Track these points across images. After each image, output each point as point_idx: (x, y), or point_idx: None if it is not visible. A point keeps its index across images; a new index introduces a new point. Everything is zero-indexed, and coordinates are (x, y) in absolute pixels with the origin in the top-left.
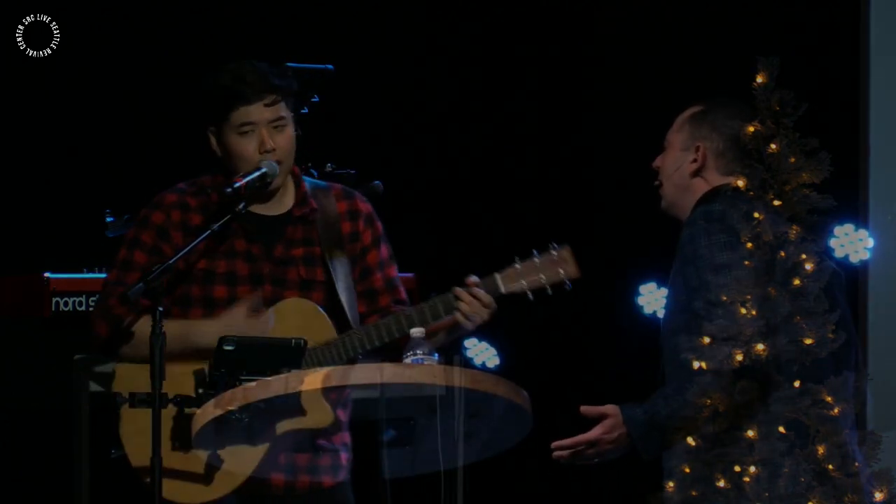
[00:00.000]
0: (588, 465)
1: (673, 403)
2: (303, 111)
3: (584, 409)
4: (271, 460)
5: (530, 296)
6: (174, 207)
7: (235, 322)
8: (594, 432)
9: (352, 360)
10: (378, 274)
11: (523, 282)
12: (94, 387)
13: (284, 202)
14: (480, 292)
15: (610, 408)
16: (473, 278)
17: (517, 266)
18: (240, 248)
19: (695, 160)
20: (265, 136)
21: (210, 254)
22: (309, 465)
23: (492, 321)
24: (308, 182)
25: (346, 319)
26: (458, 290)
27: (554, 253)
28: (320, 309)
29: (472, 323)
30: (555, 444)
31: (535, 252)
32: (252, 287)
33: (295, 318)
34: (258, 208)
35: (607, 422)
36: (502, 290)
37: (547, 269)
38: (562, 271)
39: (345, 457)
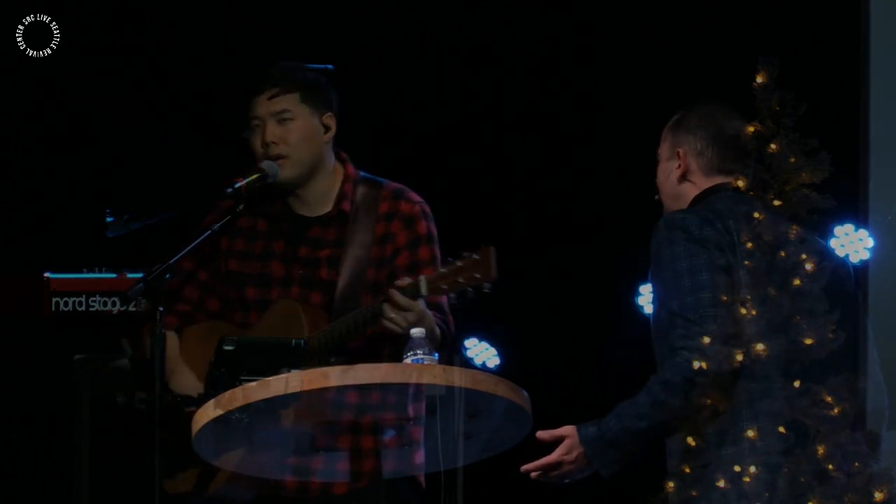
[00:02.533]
0: (559, 486)
1: (625, 419)
2: (326, 108)
3: (539, 434)
4: (280, 462)
5: (452, 298)
6: (221, 209)
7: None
8: (554, 455)
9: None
10: (404, 276)
11: (443, 284)
12: (94, 387)
13: (327, 203)
14: (395, 294)
15: (566, 429)
16: (401, 280)
17: (441, 269)
18: (278, 250)
19: (679, 166)
20: (266, 129)
21: (247, 255)
22: (323, 469)
23: (422, 323)
24: (364, 178)
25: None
26: (388, 292)
27: (475, 255)
28: (301, 312)
29: (396, 326)
30: (523, 468)
31: (463, 253)
32: (282, 289)
33: (275, 320)
34: (301, 209)
35: (565, 443)
36: (423, 291)
37: (465, 271)
38: (478, 274)
39: (369, 462)
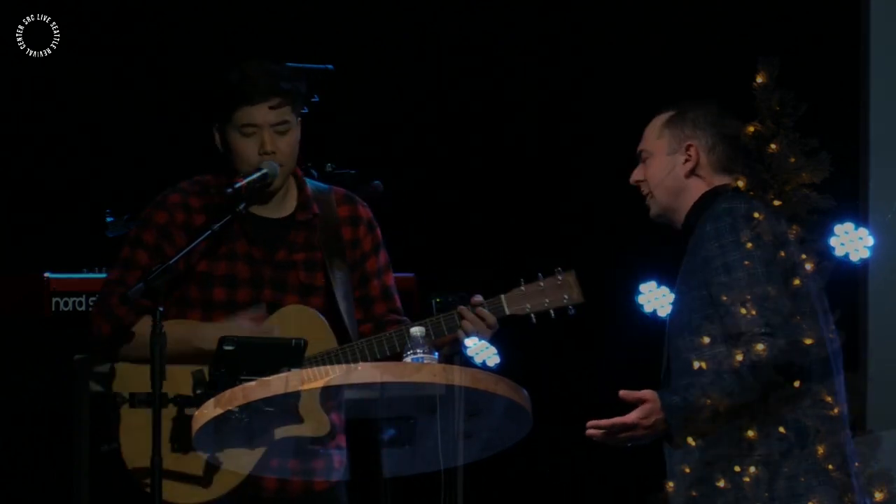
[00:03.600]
0: (621, 447)
1: (711, 394)
2: (303, 111)
3: (622, 393)
4: (264, 462)
5: (533, 319)
6: (177, 208)
7: (238, 328)
8: (631, 416)
9: None
10: (375, 281)
11: (527, 305)
12: (94, 387)
13: (286, 205)
14: (486, 313)
15: (648, 393)
16: (478, 297)
17: (522, 288)
18: (241, 251)
19: (687, 160)
20: (266, 138)
21: (210, 255)
22: (301, 468)
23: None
24: (310, 185)
25: (343, 326)
26: (463, 310)
27: (559, 277)
28: (321, 316)
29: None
30: (590, 422)
31: (539, 275)
32: (252, 290)
33: (296, 324)
34: (260, 211)
35: (645, 406)
36: (507, 311)
37: (551, 293)
38: (566, 297)
39: (338, 459)
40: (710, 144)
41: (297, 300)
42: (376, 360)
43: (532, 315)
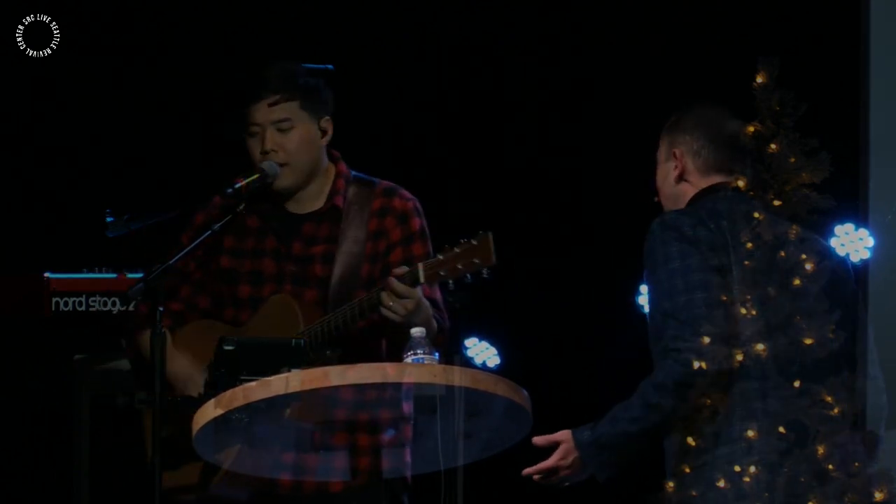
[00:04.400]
0: (560, 488)
1: (618, 423)
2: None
3: (535, 440)
4: (275, 459)
5: (451, 285)
6: (215, 208)
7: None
8: (550, 461)
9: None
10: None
11: (442, 271)
12: (94, 387)
13: (319, 200)
14: (394, 282)
15: (562, 434)
16: (399, 269)
17: (440, 256)
18: (269, 247)
19: (676, 167)
20: (266, 137)
21: (238, 253)
22: (318, 467)
23: (419, 312)
24: (354, 177)
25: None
26: (384, 281)
27: (474, 241)
28: (296, 307)
29: (394, 314)
30: (525, 472)
31: (461, 241)
32: (276, 285)
33: (274, 315)
34: (292, 206)
35: (561, 448)
36: (421, 279)
37: (465, 257)
38: (477, 260)
39: (365, 460)
40: (696, 149)
41: (315, 294)
42: (325, 342)
43: (450, 282)
